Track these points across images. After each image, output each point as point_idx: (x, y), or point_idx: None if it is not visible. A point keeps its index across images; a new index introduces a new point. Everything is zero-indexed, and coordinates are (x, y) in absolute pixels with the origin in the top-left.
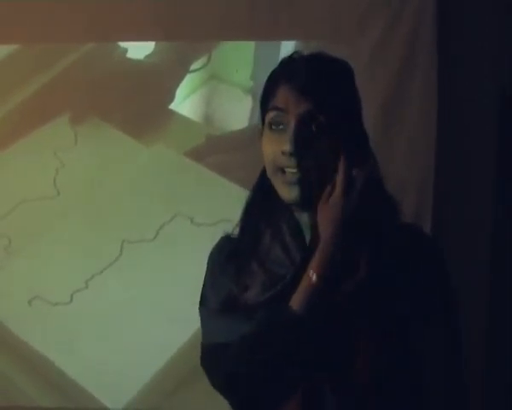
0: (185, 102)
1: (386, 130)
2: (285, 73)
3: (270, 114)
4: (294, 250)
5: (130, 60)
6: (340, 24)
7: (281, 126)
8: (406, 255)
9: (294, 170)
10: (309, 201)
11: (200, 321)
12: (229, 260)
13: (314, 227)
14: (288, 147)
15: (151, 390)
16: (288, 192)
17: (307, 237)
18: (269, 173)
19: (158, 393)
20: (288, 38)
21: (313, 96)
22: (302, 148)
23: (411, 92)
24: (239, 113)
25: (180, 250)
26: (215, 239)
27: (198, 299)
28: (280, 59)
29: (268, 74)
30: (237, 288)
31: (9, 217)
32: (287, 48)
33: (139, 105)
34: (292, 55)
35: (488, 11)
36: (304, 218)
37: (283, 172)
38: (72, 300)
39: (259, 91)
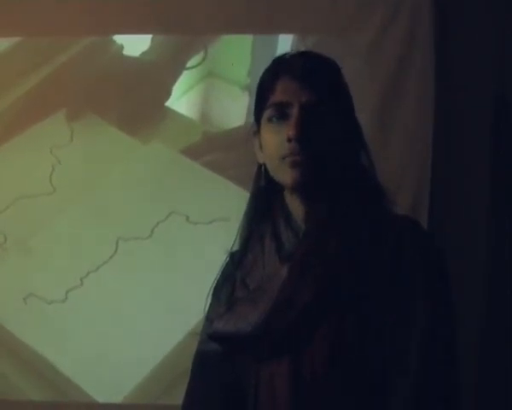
0: (182, 99)
1: (383, 128)
2: (282, 67)
3: (270, 110)
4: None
5: (126, 57)
6: (337, 18)
7: (282, 118)
8: (391, 243)
9: (298, 154)
10: (310, 184)
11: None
12: (224, 282)
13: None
14: (292, 132)
15: (149, 385)
16: (291, 175)
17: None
18: (272, 166)
19: (155, 388)
20: (285, 32)
21: (314, 85)
22: (305, 133)
23: (408, 91)
24: (236, 110)
25: (175, 248)
26: (211, 238)
27: (193, 295)
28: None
29: None
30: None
31: (5, 214)
32: (284, 44)
33: (135, 102)
34: (284, 54)
35: (487, 10)
36: (295, 226)
37: (288, 157)
38: (67, 297)
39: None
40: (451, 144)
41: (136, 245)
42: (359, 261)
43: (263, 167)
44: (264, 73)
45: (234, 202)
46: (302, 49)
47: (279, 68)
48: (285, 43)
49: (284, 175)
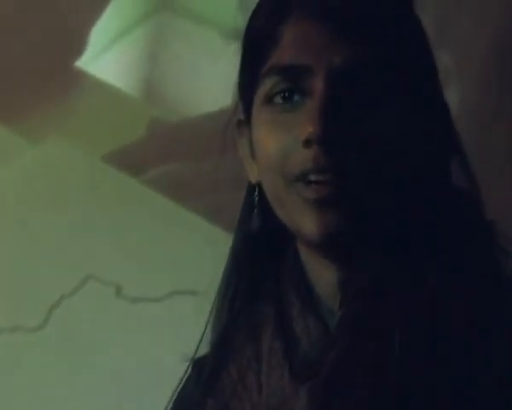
0: (107, 54)
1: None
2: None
3: (271, 80)
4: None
5: None
6: None
7: (295, 97)
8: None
9: (326, 174)
10: (350, 235)
11: None
12: None
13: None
14: (314, 128)
15: None
16: (313, 220)
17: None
18: (275, 191)
19: None
20: None
21: (354, 33)
22: (340, 129)
23: None
24: (213, 77)
25: (94, 347)
26: (162, 327)
27: None
28: None
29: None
30: None
31: None
32: None
33: (16, 60)
34: None
35: None
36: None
37: (305, 182)
38: None
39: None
40: None
41: (20, 340)
42: (447, 373)
43: (256, 193)
44: (258, 8)
45: (206, 257)
46: None
47: (287, 1)
48: None
49: (299, 217)
